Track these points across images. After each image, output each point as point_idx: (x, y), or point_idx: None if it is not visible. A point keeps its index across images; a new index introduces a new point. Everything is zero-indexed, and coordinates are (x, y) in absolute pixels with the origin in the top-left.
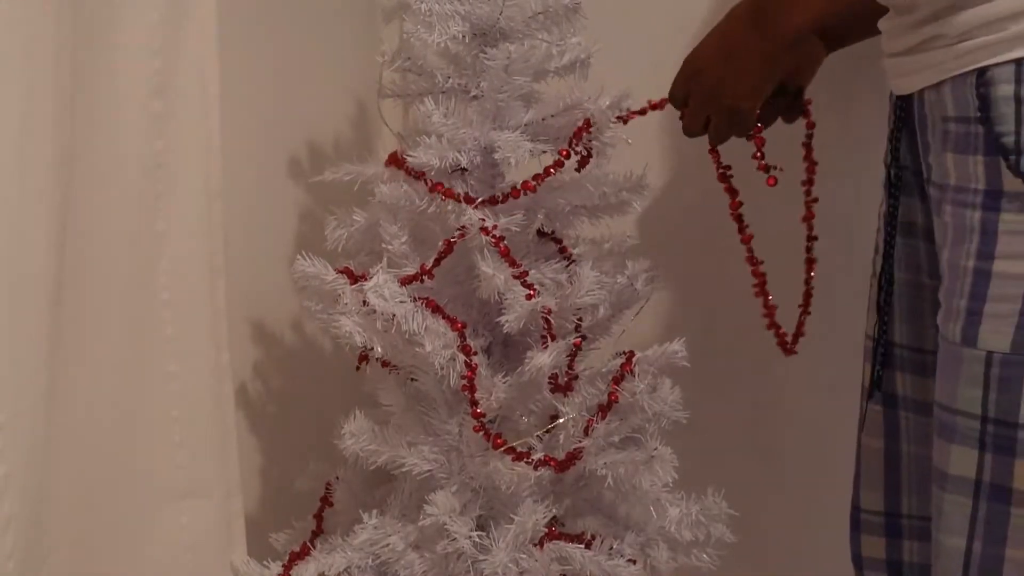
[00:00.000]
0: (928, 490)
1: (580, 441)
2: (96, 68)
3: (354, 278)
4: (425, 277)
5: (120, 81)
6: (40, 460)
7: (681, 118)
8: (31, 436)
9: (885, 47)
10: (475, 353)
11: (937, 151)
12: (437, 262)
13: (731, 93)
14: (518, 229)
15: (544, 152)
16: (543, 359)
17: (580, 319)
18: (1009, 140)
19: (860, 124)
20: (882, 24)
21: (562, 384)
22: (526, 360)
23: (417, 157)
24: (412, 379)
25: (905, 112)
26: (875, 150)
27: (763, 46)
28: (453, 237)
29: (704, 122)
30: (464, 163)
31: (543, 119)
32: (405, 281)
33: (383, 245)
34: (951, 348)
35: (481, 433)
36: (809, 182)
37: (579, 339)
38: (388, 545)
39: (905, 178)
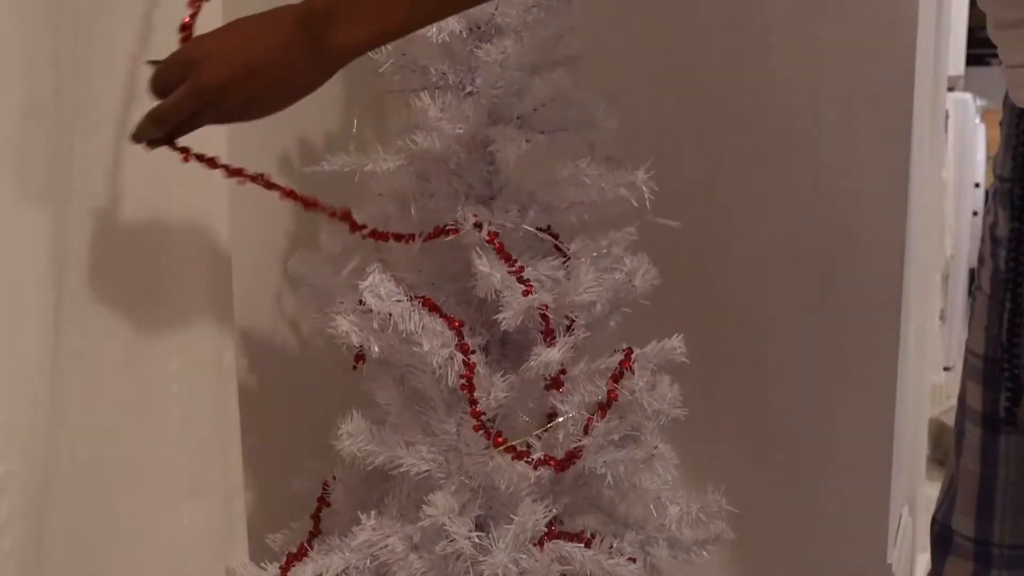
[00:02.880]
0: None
1: (580, 440)
2: (96, 68)
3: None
4: (415, 247)
5: (120, 81)
6: (40, 460)
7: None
8: (31, 436)
9: (1004, 58)
10: (473, 352)
11: None
12: (428, 237)
13: (258, 112)
14: (512, 226)
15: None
16: (552, 355)
17: (577, 316)
18: None
19: (859, 126)
20: (997, 35)
21: (557, 381)
22: (532, 357)
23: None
24: (409, 378)
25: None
26: (876, 151)
27: (312, 64)
28: (447, 226)
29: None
30: (460, 158)
31: (534, 109)
32: (392, 237)
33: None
34: None
35: (481, 432)
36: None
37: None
38: (387, 546)
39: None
